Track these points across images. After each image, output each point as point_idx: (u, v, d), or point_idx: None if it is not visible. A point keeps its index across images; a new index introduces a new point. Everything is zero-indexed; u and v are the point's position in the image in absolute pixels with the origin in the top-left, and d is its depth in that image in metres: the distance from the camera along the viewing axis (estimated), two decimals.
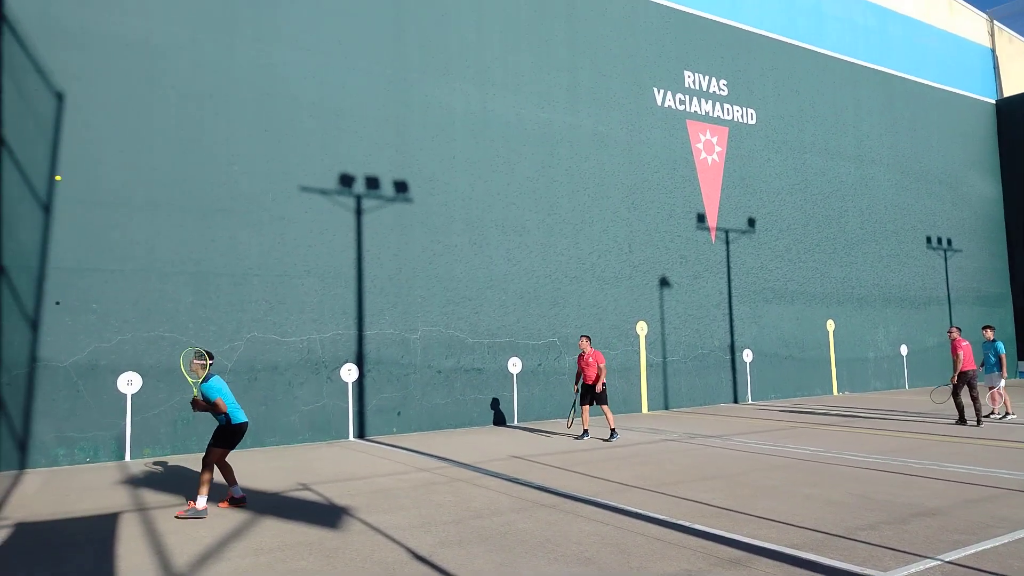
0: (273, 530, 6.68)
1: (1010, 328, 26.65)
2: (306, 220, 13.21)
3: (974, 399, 13.31)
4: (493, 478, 9.06)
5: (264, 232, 12.81)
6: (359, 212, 13.78)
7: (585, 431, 12.71)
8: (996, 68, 28.10)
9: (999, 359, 14.04)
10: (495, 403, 15.03)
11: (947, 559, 5.38)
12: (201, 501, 7.29)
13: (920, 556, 5.46)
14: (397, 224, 14.17)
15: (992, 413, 14.35)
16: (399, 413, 13.80)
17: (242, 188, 12.67)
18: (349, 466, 10.26)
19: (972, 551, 5.56)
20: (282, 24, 13.30)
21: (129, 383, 11.40)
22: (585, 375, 12.55)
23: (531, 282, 15.72)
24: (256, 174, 12.82)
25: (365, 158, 13.92)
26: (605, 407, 12.45)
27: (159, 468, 10.44)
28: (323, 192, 13.42)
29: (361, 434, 13.40)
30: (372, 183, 13.94)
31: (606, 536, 6.22)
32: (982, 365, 14.42)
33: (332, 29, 13.80)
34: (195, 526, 6.89)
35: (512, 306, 15.40)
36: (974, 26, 27.80)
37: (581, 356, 12.62)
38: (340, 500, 7.92)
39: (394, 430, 13.74)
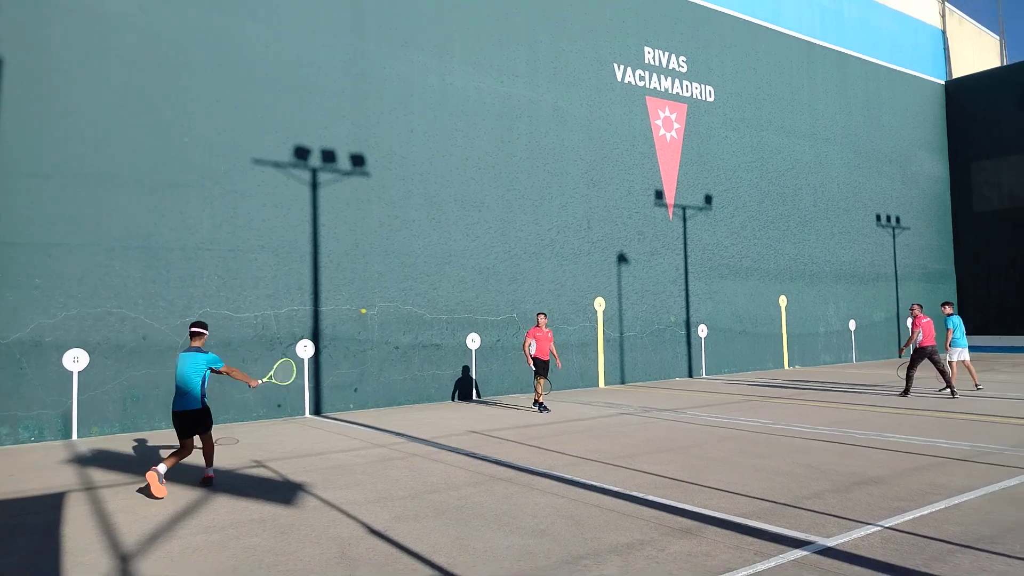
0: (226, 507, 6.60)
1: (953, 302, 27.56)
2: (260, 194, 12.93)
3: (942, 372, 13.70)
4: (450, 453, 9.09)
5: (217, 206, 12.50)
6: (315, 186, 13.53)
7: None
8: (946, 49, 28.75)
9: (947, 333, 14.55)
10: (453, 379, 15.03)
11: (887, 525, 5.58)
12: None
13: (862, 523, 5.66)
14: (354, 198, 13.97)
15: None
16: (356, 389, 13.72)
17: (194, 161, 12.32)
18: (304, 442, 10.18)
19: (911, 517, 5.78)
20: None
21: (75, 360, 11.08)
22: (542, 349, 12.71)
23: (490, 258, 15.69)
24: (209, 146, 12.47)
25: (322, 131, 13.64)
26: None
27: (108, 447, 10.22)
28: (278, 165, 13.13)
29: (317, 411, 13.30)
30: (328, 156, 13.69)
31: (561, 508, 6.31)
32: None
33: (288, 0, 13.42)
34: (146, 504, 6.78)
35: (471, 282, 15.37)
36: (926, 7, 28.33)
37: (535, 329, 12.89)
38: (295, 476, 7.87)
39: (351, 406, 13.67)
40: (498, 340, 15.65)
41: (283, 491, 7.19)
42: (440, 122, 15.17)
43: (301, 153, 13.38)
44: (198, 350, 7.53)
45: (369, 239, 14.10)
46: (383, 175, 14.34)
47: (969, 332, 27.15)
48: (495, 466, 8.21)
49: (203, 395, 7.50)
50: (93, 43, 11.59)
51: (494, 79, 16.03)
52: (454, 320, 15.07)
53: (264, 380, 8.36)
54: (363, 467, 8.33)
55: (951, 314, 14.74)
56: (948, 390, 13.86)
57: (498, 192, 15.91)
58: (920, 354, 13.89)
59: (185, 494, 7.15)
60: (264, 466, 8.51)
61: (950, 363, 14.54)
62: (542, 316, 13.09)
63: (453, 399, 14.99)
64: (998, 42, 29.61)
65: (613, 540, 5.38)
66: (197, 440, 8.16)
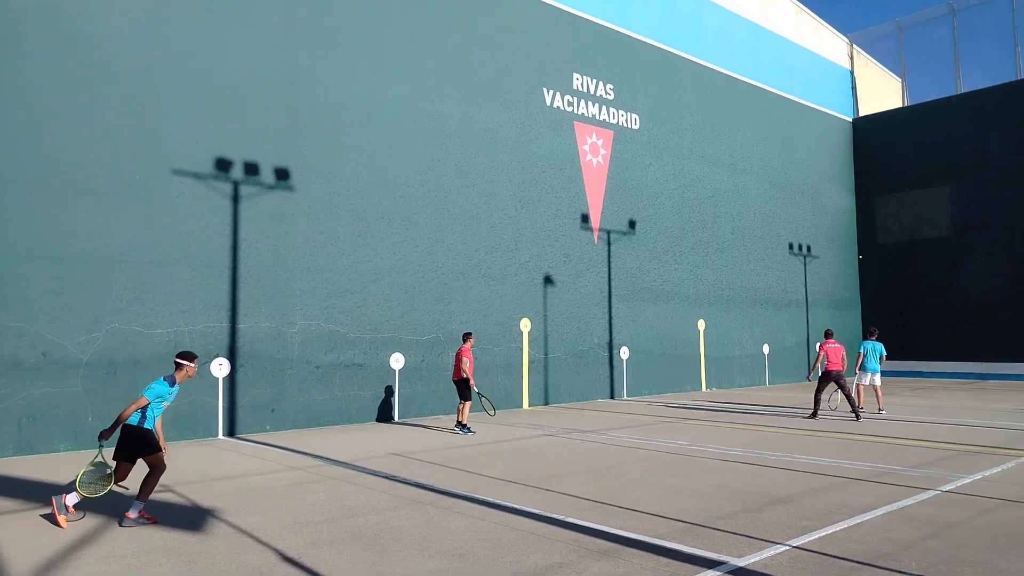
0: (128, 535, 6.27)
1: (858, 329, 29.07)
2: (179, 205, 12.47)
3: (847, 396, 14.28)
4: (370, 476, 8.92)
5: (133, 216, 11.97)
6: (237, 199, 13.16)
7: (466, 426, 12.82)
8: (854, 88, 30.53)
9: (856, 357, 15.46)
10: (376, 399, 14.79)
11: (795, 544, 5.79)
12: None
13: (772, 542, 5.86)
14: (278, 213, 13.64)
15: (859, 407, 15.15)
16: (273, 410, 13.31)
17: (110, 168, 11.78)
18: (216, 466, 9.79)
19: (817, 536, 6.02)
20: None
21: None
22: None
23: (417, 276, 15.58)
24: (126, 154, 11.95)
25: (246, 143, 13.30)
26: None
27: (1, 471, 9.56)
28: (199, 176, 12.71)
29: (231, 432, 12.83)
30: (252, 169, 13.35)
31: (481, 531, 6.27)
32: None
33: (216, 4, 13.07)
34: (42, 532, 6.36)
35: (397, 300, 15.21)
36: (836, 49, 30.06)
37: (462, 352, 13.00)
38: (205, 502, 7.55)
39: (268, 428, 13.25)
40: (423, 360, 15.51)
41: (191, 517, 6.89)
42: (370, 138, 15.04)
43: (223, 164, 13.00)
44: (172, 380, 7.06)
45: (292, 255, 13.79)
46: (309, 190, 14.08)
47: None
48: (416, 489, 8.10)
49: (142, 419, 6.89)
50: (1, 40, 10.98)
51: (426, 97, 16.03)
52: (378, 339, 14.86)
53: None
54: (278, 491, 8.07)
55: (872, 340, 15.63)
56: (853, 413, 14.50)
57: (427, 210, 15.86)
58: (826, 377, 14.55)
59: (84, 521, 6.75)
60: (171, 491, 8.13)
61: (857, 386, 15.31)
62: (471, 336, 13.34)
63: (376, 420, 14.73)
64: (900, 84, 31.67)
65: (533, 563, 5.39)
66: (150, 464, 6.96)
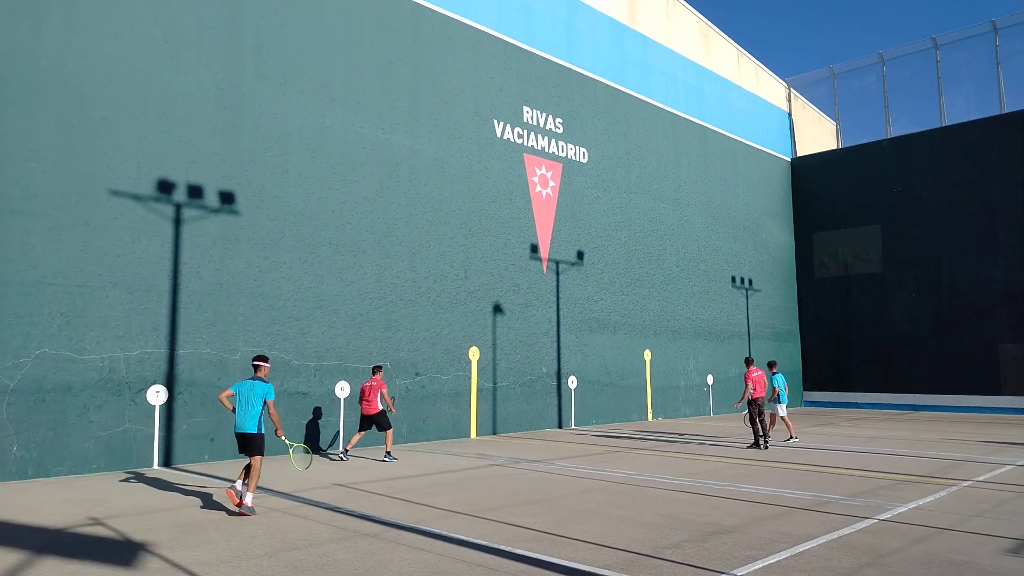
0: (53, 571, 5.93)
1: (798, 360, 29.90)
2: (115, 227, 12.07)
3: (761, 423, 14.75)
4: (312, 507, 8.68)
5: (64, 237, 11.53)
6: (178, 222, 12.83)
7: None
8: (792, 130, 31.81)
9: (773, 390, 15.89)
10: (321, 429, 14.45)
11: (739, 574, 5.85)
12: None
13: (717, 572, 5.90)
14: (221, 237, 13.35)
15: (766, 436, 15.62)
16: (213, 439, 12.87)
17: (40, 187, 11.35)
18: (151, 497, 9.38)
19: (760, 565, 6.10)
20: (99, 13, 12.18)
21: None
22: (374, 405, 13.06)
23: (364, 304, 15.39)
24: (58, 173, 11.55)
25: (188, 165, 13.02)
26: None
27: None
28: (138, 198, 12.36)
29: (168, 462, 12.34)
30: (195, 192, 13.05)
31: (427, 563, 6.15)
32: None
33: (157, 25, 12.85)
34: None
35: (343, 328, 14.98)
36: (775, 91, 31.32)
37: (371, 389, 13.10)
38: (138, 535, 7.21)
39: (206, 457, 12.79)
40: None
41: (123, 552, 6.56)
42: (317, 164, 14.91)
43: (165, 187, 12.68)
44: (260, 380, 8.68)
45: (235, 280, 13.48)
46: (254, 214, 13.83)
47: (809, 388, 29.72)
48: (360, 520, 7.91)
49: (260, 422, 8.53)
50: None
51: (375, 125, 16.02)
52: (323, 367, 14.58)
53: (288, 441, 10.05)
54: (216, 524, 7.77)
55: (776, 373, 16.14)
56: (762, 440, 14.78)
57: (375, 238, 15.74)
58: (753, 405, 14.93)
59: (5, 556, 6.36)
60: (102, 524, 7.75)
61: (773, 415, 15.86)
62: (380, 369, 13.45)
63: (320, 450, 14.38)
64: (835, 127, 33.13)
65: None
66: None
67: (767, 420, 15.19)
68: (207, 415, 12.79)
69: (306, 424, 14.22)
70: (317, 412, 14.41)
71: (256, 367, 8.80)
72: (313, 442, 14.31)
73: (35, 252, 11.22)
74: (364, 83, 15.92)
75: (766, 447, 14.67)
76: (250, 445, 8.47)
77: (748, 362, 15.57)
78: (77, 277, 11.60)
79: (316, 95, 15.02)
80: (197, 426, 12.69)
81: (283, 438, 9.01)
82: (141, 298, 12.24)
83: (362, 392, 13.06)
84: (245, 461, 12.79)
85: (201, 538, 7.11)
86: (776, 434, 17.07)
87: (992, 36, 27.49)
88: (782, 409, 16.04)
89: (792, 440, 16.00)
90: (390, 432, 13.15)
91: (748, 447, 14.94)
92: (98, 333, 11.73)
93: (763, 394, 15.00)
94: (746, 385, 15.06)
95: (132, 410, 11.96)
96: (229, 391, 8.63)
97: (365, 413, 13.02)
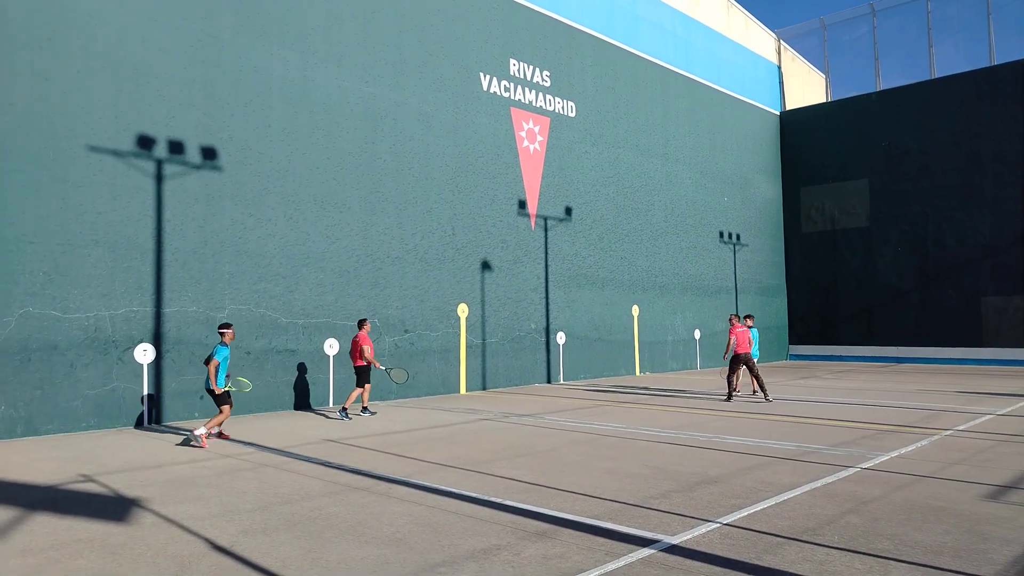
0: (46, 527, 5.96)
1: (784, 315, 30.16)
2: (96, 184, 11.85)
3: (755, 377, 14.97)
4: (304, 462, 8.74)
5: (43, 195, 11.31)
6: (160, 178, 12.61)
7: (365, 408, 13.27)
8: (781, 83, 31.49)
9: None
10: (309, 385, 14.50)
11: (725, 521, 5.97)
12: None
13: (703, 520, 6.02)
14: (204, 193, 13.15)
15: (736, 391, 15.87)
16: (202, 397, 12.88)
17: (15, 143, 11.08)
18: (141, 454, 9.42)
19: (745, 513, 6.22)
20: None
21: None
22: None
23: (351, 261, 15.30)
24: (33, 128, 11.27)
25: (168, 120, 12.74)
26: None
27: None
28: (117, 154, 12.11)
29: (158, 420, 12.36)
30: (176, 147, 12.80)
31: (418, 516, 6.23)
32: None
33: None
34: None
35: (330, 285, 14.91)
36: (765, 44, 30.91)
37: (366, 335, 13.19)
38: (129, 491, 7.25)
39: (196, 415, 12.82)
40: None
41: (115, 508, 6.60)
42: (300, 119, 14.63)
43: (144, 142, 12.42)
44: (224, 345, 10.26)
45: (220, 237, 13.32)
46: (237, 170, 13.61)
47: (795, 342, 30.05)
48: (351, 475, 7.98)
49: (217, 378, 10.09)
50: None
51: (358, 78, 15.69)
52: (311, 325, 14.55)
53: (229, 388, 10.51)
54: (207, 479, 7.82)
55: (752, 326, 16.26)
56: (763, 394, 15.09)
57: (360, 194, 15.56)
58: (736, 361, 15.08)
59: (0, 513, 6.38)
60: (93, 480, 7.78)
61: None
62: (367, 323, 13.44)
63: (309, 407, 14.45)
64: (824, 80, 32.84)
65: (470, 546, 5.38)
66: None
67: (737, 376, 15.33)
68: (195, 373, 12.77)
69: (294, 381, 14.25)
70: (304, 369, 14.43)
71: (221, 334, 10.51)
72: (303, 400, 14.35)
73: (12, 209, 11.01)
74: (346, 34, 15.55)
75: (729, 400, 14.94)
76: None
77: (735, 319, 15.69)
78: (58, 235, 11.42)
79: (297, 48, 14.66)
80: (186, 384, 12.69)
81: (217, 388, 10.19)
82: (124, 256, 12.10)
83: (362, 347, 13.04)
84: (233, 420, 12.87)
85: (193, 493, 7.16)
86: (746, 389, 17.26)
87: None
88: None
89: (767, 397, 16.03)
90: (365, 389, 13.14)
91: (724, 400, 15.13)
92: (82, 292, 11.61)
93: (748, 350, 15.10)
94: (730, 340, 15.20)
95: (120, 368, 11.92)
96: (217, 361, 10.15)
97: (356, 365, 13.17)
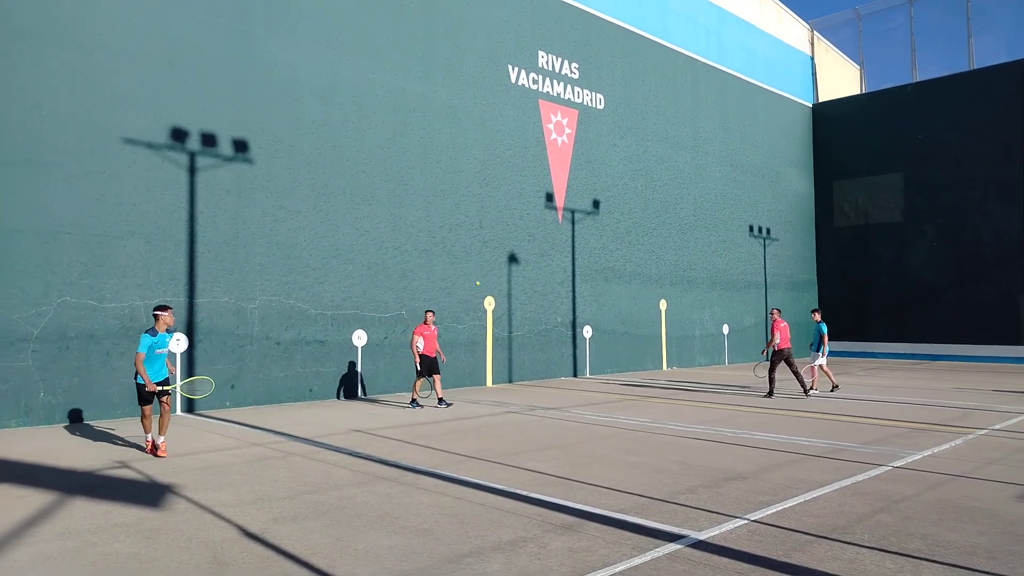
0: (84, 511, 6.12)
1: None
2: (131, 176, 12.08)
3: (795, 374, 14.77)
4: (332, 452, 8.85)
5: (80, 187, 11.56)
6: (192, 170, 12.81)
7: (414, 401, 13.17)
8: (814, 74, 30.97)
9: (820, 339, 15.65)
10: (338, 376, 14.66)
11: (753, 518, 5.93)
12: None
13: (731, 516, 5.98)
14: (235, 186, 13.33)
15: (811, 387, 15.72)
16: (233, 386, 13.10)
17: (52, 137, 11.32)
18: (175, 442, 9.61)
19: (774, 510, 6.17)
20: None
21: None
22: (429, 347, 13.02)
23: (379, 253, 15.41)
24: (69, 123, 11.50)
25: (200, 113, 12.92)
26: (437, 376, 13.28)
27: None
28: (151, 146, 12.32)
29: (190, 408, 12.60)
30: (209, 140, 12.99)
31: (445, 507, 6.28)
32: (812, 344, 15.96)
33: None
34: None
35: (359, 277, 15.04)
36: (798, 35, 30.40)
37: (423, 327, 13.12)
38: (163, 478, 7.41)
39: (227, 404, 13.04)
40: (386, 337, 15.40)
41: (149, 493, 6.75)
42: (330, 112, 14.75)
43: (178, 135, 12.62)
44: (154, 331, 8.50)
45: (251, 229, 13.51)
46: (268, 163, 13.78)
47: (828, 338, 29.59)
48: (379, 465, 8.06)
49: (136, 374, 8.42)
50: None
51: (387, 72, 15.76)
52: (340, 316, 14.70)
53: (167, 388, 8.65)
54: (239, 467, 7.96)
55: (820, 320, 15.89)
56: (803, 389, 14.94)
57: (389, 186, 15.66)
58: (778, 356, 14.88)
59: (37, 497, 6.57)
60: (129, 467, 7.96)
61: (816, 367, 15.67)
62: (430, 314, 13.30)
63: (338, 397, 14.61)
64: (859, 71, 32.23)
65: (496, 538, 5.41)
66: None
67: (799, 370, 15.06)
68: (228, 362, 12.99)
69: (323, 372, 14.41)
70: (333, 360, 14.58)
71: (155, 318, 8.50)
72: (331, 390, 14.51)
73: (51, 201, 11.27)
74: (375, 29, 15.62)
75: (807, 394, 14.82)
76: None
77: (779, 313, 15.49)
78: (94, 226, 11.66)
79: (326, 42, 14.77)
80: (218, 373, 12.90)
81: (150, 384, 8.32)
82: (159, 247, 12.32)
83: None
84: (263, 409, 13.07)
85: (224, 480, 7.29)
86: (823, 385, 17.02)
87: None
88: (818, 358, 15.77)
89: (835, 390, 15.83)
90: (420, 379, 13.17)
91: (764, 396, 14.98)
92: (118, 282, 11.85)
93: (788, 345, 14.86)
94: (772, 335, 15.02)
95: None
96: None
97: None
